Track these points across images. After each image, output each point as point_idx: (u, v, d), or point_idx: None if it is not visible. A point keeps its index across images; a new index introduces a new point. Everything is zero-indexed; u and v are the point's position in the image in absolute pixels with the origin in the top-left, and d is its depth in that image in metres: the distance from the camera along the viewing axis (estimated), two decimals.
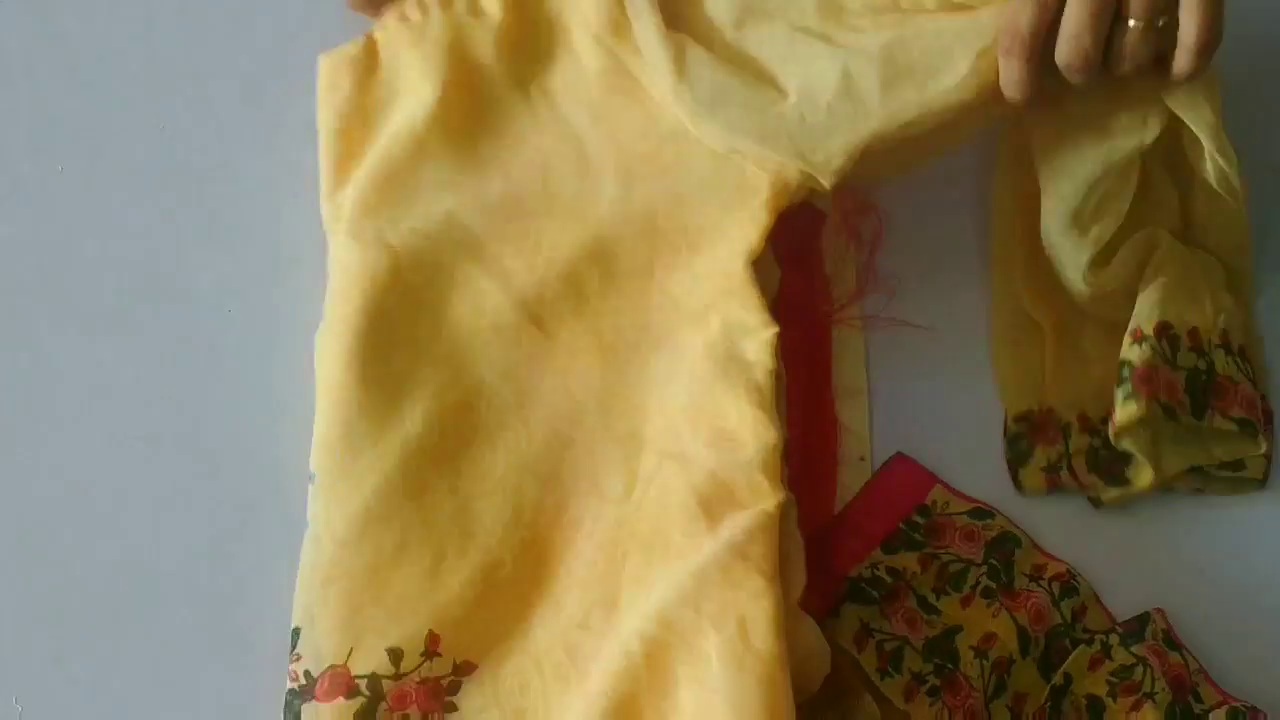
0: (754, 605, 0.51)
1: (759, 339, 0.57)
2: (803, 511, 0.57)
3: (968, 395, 0.65)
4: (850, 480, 0.62)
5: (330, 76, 0.63)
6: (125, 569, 0.59)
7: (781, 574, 0.54)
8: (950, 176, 0.69)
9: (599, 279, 0.60)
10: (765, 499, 0.54)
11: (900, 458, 0.63)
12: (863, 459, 0.63)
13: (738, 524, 0.53)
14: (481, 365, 0.59)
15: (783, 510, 0.54)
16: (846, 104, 0.58)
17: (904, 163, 0.63)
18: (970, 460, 0.63)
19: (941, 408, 0.64)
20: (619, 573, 0.55)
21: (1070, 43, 0.56)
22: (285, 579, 0.57)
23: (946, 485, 0.62)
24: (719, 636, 0.50)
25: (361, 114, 0.63)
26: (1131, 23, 0.55)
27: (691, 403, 0.57)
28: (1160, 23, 0.55)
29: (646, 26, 0.61)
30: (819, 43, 0.59)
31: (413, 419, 0.57)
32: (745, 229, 0.59)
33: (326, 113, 0.63)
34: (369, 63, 0.63)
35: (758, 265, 0.59)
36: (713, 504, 0.54)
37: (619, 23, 0.62)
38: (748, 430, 0.55)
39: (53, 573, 0.59)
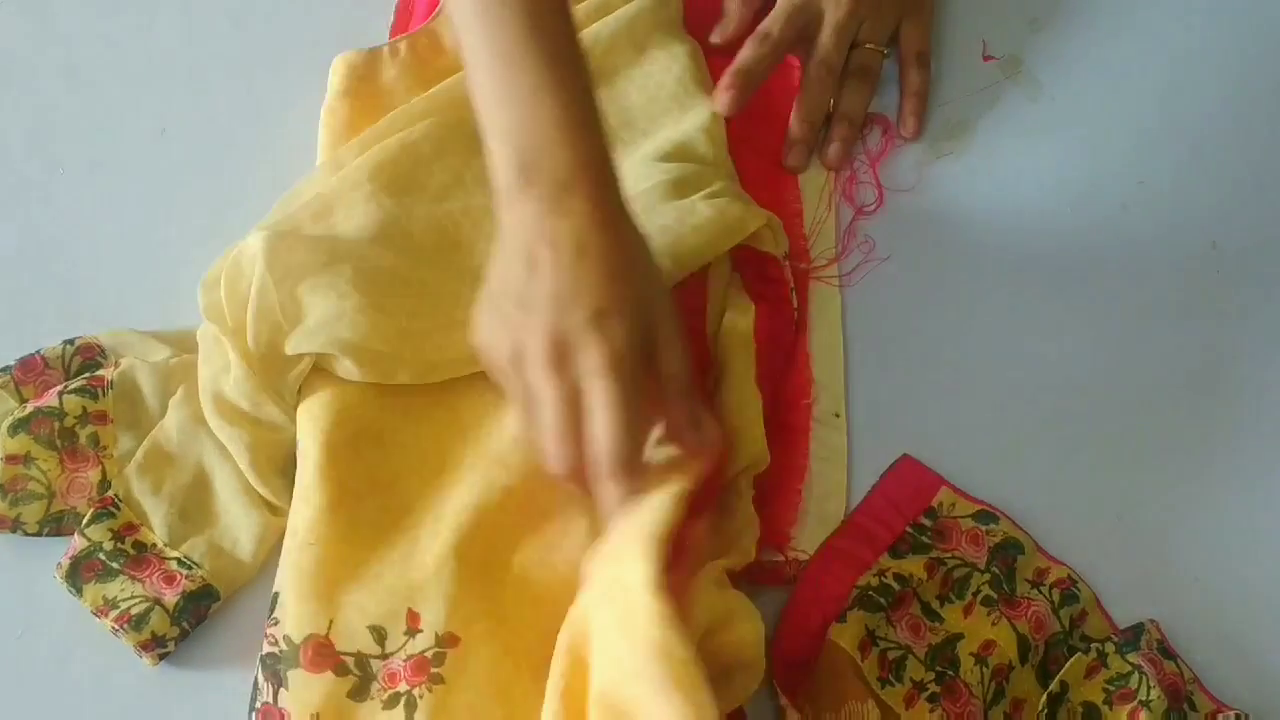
0: (632, 569, 0.49)
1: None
2: (776, 466, 0.60)
3: (972, 395, 0.64)
4: (826, 436, 0.62)
5: (332, 73, 0.67)
6: None
7: (727, 545, 0.56)
8: (953, 176, 0.69)
9: None
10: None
11: (906, 460, 0.62)
12: (838, 415, 0.63)
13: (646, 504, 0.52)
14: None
15: (733, 485, 0.57)
16: None
17: None
18: (974, 460, 0.63)
19: (946, 407, 0.64)
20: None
21: None
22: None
23: (953, 486, 0.62)
24: (612, 610, 0.50)
25: (351, 108, 0.66)
26: None
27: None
28: None
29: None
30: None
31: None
32: None
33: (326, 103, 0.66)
34: (366, 70, 0.66)
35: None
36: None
37: None
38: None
39: None
